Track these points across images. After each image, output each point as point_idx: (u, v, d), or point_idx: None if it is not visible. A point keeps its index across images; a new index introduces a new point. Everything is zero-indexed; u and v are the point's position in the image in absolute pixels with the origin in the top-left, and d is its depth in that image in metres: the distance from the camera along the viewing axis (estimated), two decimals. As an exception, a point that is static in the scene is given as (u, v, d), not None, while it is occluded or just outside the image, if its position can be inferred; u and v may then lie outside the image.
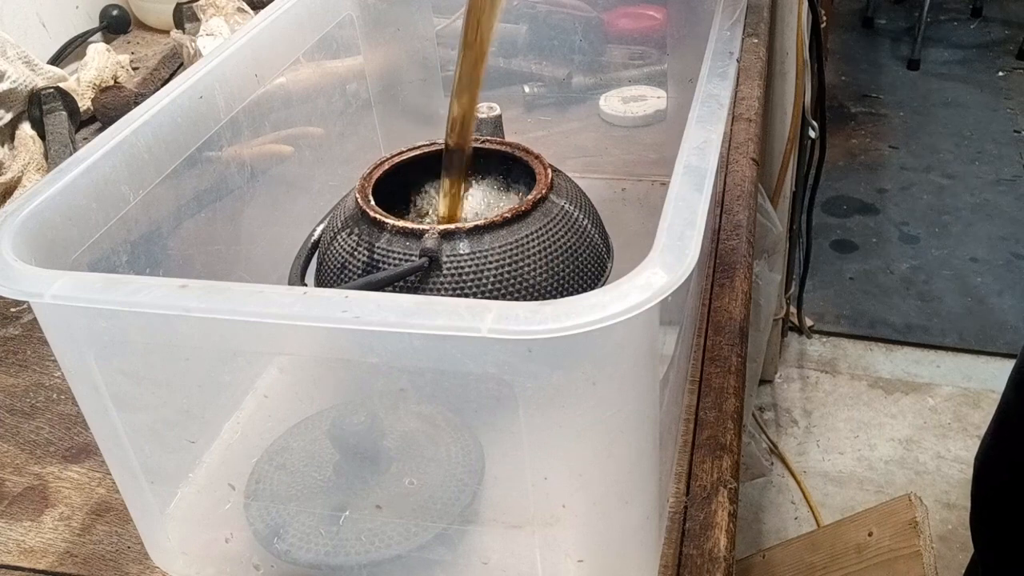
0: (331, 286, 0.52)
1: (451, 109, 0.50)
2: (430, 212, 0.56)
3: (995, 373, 1.86)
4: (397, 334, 0.34)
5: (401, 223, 0.50)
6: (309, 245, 0.58)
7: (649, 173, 0.74)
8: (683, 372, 0.54)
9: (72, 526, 0.52)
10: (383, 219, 0.50)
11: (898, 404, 1.82)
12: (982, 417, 1.76)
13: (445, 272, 0.48)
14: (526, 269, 0.49)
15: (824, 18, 1.40)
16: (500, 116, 0.61)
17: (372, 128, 0.74)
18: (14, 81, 0.89)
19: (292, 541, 0.46)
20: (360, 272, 0.50)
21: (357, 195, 0.52)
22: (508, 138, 0.60)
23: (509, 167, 0.55)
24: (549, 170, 0.54)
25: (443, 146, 0.52)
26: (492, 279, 0.49)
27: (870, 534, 1.06)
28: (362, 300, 0.34)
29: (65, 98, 0.91)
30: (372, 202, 0.52)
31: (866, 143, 2.64)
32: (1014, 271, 2.12)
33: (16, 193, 0.84)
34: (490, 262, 0.49)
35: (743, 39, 0.74)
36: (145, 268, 0.49)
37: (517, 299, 0.49)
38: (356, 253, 0.51)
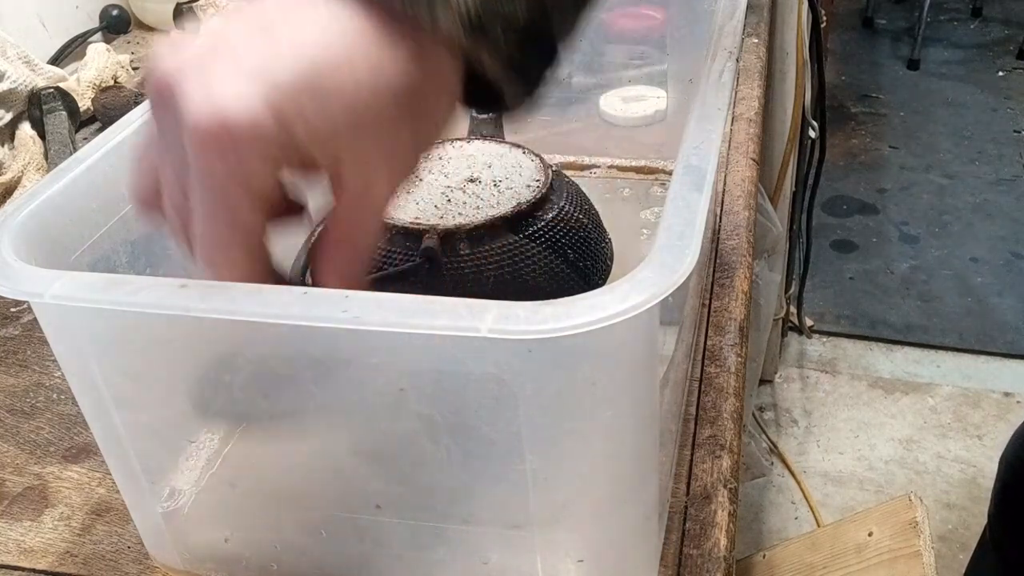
0: (331, 286, 0.52)
1: None
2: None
3: (995, 373, 1.86)
4: (397, 334, 0.34)
5: (401, 223, 0.50)
6: (309, 245, 0.57)
7: (649, 173, 0.74)
8: (683, 372, 0.54)
9: (72, 526, 0.52)
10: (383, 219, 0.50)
11: (898, 404, 1.82)
12: (982, 417, 1.76)
13: (445, 272, 0.48)
14: (526, 269, 0.49)
15: (824, 18, 1.40)
16: (500, 116, 0.61)
17: (372, 128, 0.73)
18: (14, 81, 0.89)
19: (292, 541, 0.46)
20: (360, 272, 0.50)
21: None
22: (508, 138, 0.60)
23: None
24: (549, 170, 0.54)
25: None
26: (492, 279, 0.48)
27: (870, 534, 1.06)
28: (362, 300, 0.34)
29: (65, 98, 0.91)
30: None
31: (866, 143, 2.64)
32: (1014, 271, 2.12)
33: (16, 193, 0.84)
34: (490, 262, 0.49)
35: (743, 39, 0.74)
36: (145, 268, 0.49)
37: (517, 299, 0.49)
38: (356, 253, 0.51)
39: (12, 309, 0.70)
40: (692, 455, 0.52)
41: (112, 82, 1.00)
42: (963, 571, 1.12)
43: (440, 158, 0.56)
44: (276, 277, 0.36)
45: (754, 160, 0.78)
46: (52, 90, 0.91)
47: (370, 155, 0.33)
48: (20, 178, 0.84)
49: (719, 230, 0.69)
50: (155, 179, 0.34)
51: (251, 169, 0.31)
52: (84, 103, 0.95)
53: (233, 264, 0.33)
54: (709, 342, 0.59)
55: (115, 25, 1.17)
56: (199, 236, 0.33)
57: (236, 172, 0.31)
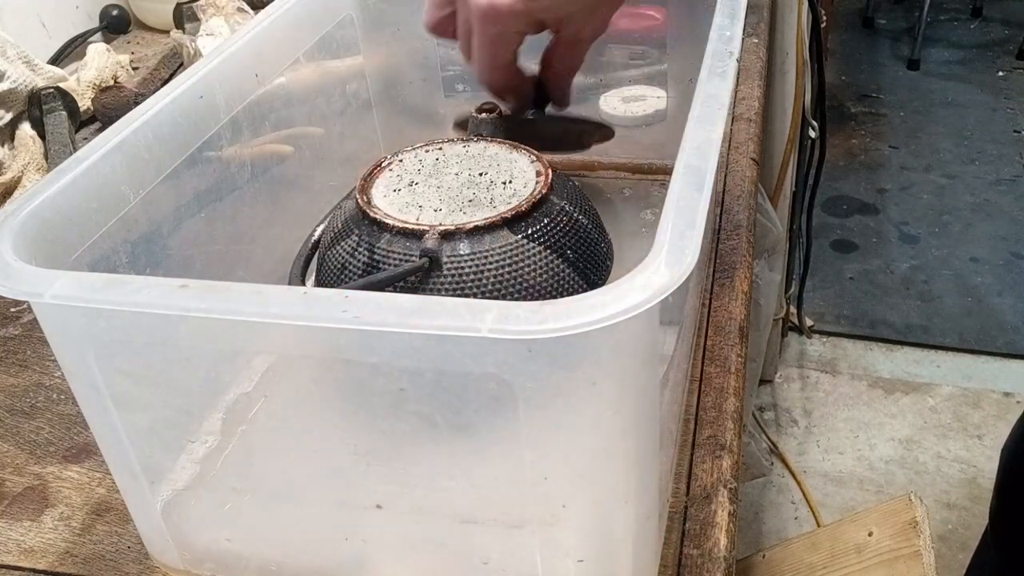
0: (331, 286, 0.52)
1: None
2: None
3: (995, 373, 1.86)
4: (397, 334, 0.34)
5: (402, 223, 0.50)
6: (309, 245, 0.57)
7: (649, 173, 0.74)
8: (683, 372, 0.54)
9: (72, 526, 0.52)
10: (384, 219, 0.50)
11: (898, 404, 1.82)
12: (982, 417, 1.76)
13: (445, 272, 0.48)
14: (526, 269, 0.49)
15: (824, 18, 1.41)
16: (500, 116, 0.61)
17: (372, 128, 0.74)
18: (14, 81, 0.89)
19: (292, 541, 0.46)
20: (360, 272, 0.50)
21: (357, 195, 0.53)
22: (508, 138, 0.60)
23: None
24: (549, 170, 0.54)
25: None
26: (492, 279, 0.49)
27: (870, 534, 1.06)
28: (362, 300, 0.34)
29: (65, 98, 0.91)
30: (373, 202, 0.52)
31: (866, 143, 2.64)
32: (1014, 271, 2.12)
33: (16, 193, 0.84)
34: (490, 262, 0.49)
35: (743, 39, 0.74)
36: (145, 268, 0.49)
37: (517, 299, 0.49)
38: (356, 253, 0.51)
39: (12, 309, 0.70)
40: (692, 455, 0.52)
41: (112, 82, 1.00)
42: (963, 571, 1.12)
43: (440, 158, 0.56)
44: (522, 77, 0.60)
45: (754, 160, 0.78)
46: (52, 90, 0.91)
47: (579, 18, 0.56)
48: (20, 178, 0.84)
49: (719, 230, 0.70)
50: (443, 18, 0.57)
51: (509, 31, 0.54)
52: (84, 103, 0.95)
53: (494, 75, 0.58)
54: (709, 342, 0.59)
55: (115, 25, 1.17)
56: (476, 60, 0.57)
57: (501, 33, 0.54)
